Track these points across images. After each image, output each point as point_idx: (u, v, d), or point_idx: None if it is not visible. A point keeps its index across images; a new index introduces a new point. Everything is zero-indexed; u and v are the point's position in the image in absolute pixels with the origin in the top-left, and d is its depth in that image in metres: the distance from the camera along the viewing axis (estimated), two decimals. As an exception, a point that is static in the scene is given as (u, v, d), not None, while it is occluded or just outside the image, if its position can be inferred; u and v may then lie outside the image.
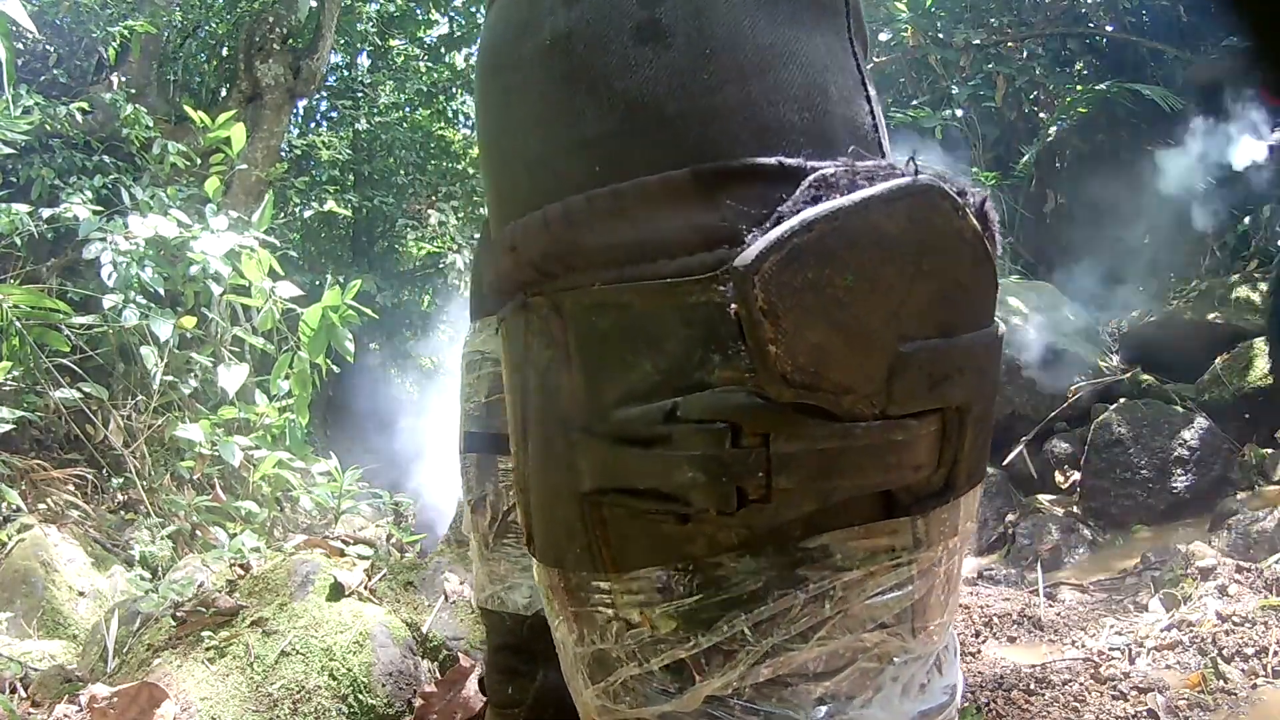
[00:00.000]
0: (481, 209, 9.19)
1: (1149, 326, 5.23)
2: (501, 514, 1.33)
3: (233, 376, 4.59)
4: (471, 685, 1.87)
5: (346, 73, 9.82)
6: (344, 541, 2.28)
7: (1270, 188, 5.63)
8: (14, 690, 2.14)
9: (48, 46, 5.39)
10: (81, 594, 3.09)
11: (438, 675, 1.95)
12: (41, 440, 4.32)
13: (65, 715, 1.73)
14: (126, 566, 3.67)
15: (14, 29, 3.01)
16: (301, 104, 8.69)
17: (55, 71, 5.41)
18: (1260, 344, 4.57)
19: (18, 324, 4.03)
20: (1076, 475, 4.54)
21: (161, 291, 4.56)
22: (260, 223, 5.03)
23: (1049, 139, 6.50)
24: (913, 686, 0.60)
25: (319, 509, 4.85)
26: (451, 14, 10.36)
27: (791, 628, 0.55)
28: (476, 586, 1.41)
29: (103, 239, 4.38)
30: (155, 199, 5.01)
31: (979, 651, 2.40)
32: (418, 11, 10.05)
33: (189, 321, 4.58)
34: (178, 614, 1.94)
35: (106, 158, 5.23)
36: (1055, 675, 2.01)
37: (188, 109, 5.49)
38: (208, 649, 1.83)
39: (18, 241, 4.49)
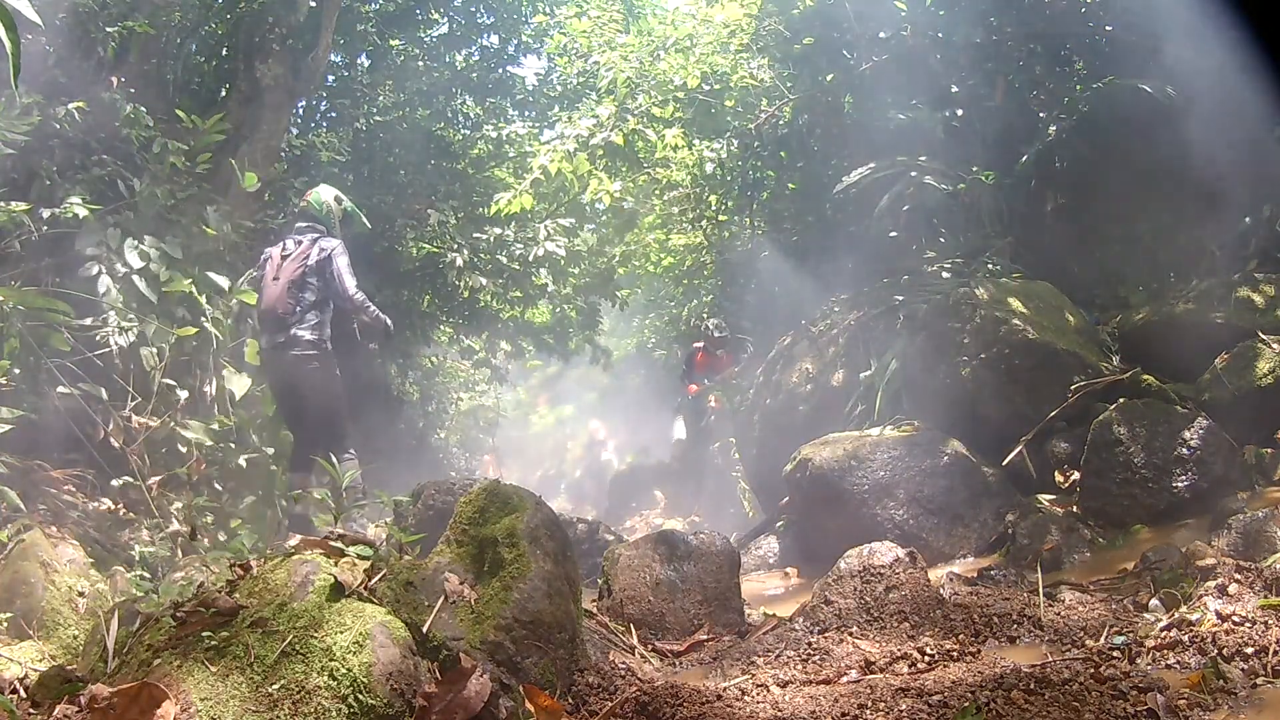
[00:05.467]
0: (481, 209, 9.20)
1: (1149, 326, 5.22)
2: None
3: (238, 383, 4.61)
4: (472, 685, 1.87)
5: (346, 73, 9.81)
6: (344, 541, 2.28)
7: (1272, 186, 5.62)
8: (14, 690, 2.14)
9: (48, 46, 5.38)
10: (81, 594, 3.09)
11: (438, 675, 1.95)
12: (41, 440, 4.32)
13: (65, 715, 1.73)
14: (126, 567, 3.67)
15: (21, 25, 3.00)
16: (301, 104, 8.69)
17: (55, 71, 5.39)
18: (1260, 344, 4.57)
19: (18, 324, 4.03)
20: (1076, 475, 4.54)
21: (156, 299, 4.58)
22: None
23: (1049, 139, 6.49)
24: None
25: (318, 508, 4.85)
26: (451, 14, 10.36)
27: None
28: None
29: (98, 256, 4.41)
30: (153, 197, 5.02)
31: (979, 651, 2.40)
32: (417, 11, 10.05)
33: (187, 332, 4.59)
34: (178, 614, 1.94)
35: (106, 157, 5.23)
36: (1055, 675, 2.01)
37: (179, 112, 5.50)
38: (208, 649, 1.82)
39: (19, 246, 4.49)
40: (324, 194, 5.52)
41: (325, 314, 5.14)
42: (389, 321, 5.34)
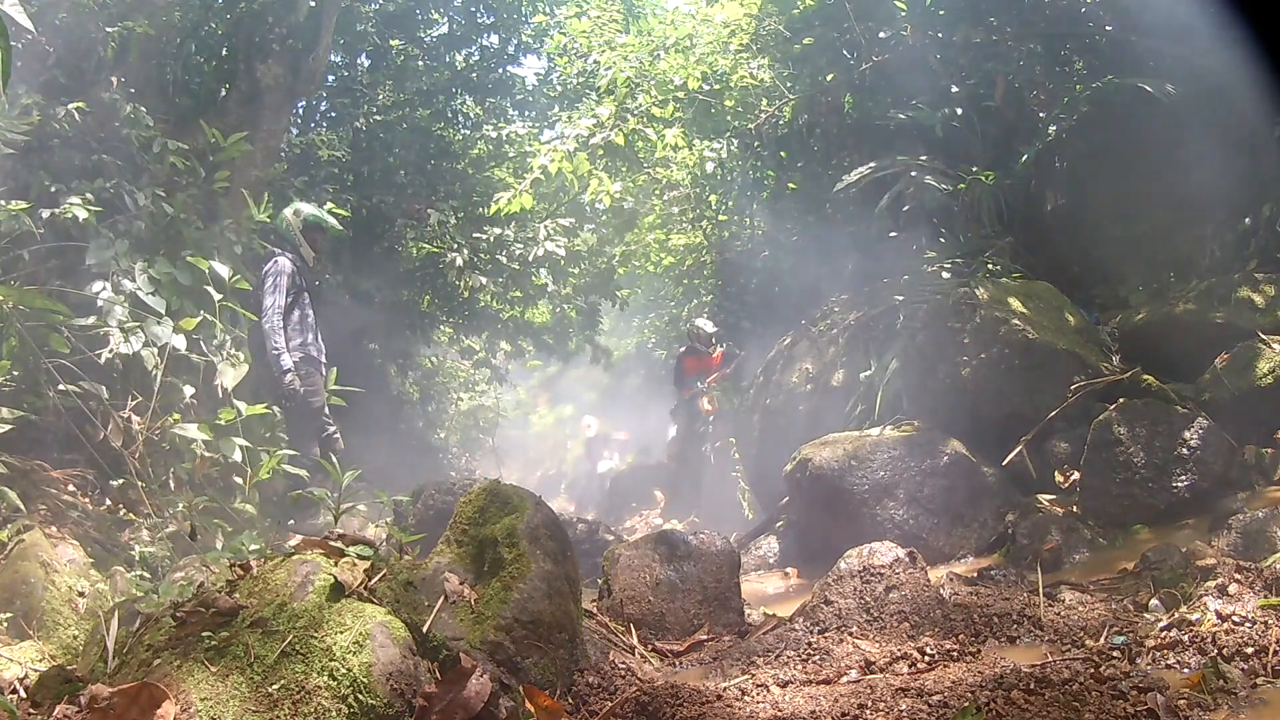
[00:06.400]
0: (481, 209, 9.19)
1: (1149, 326, 5.22)
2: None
3: (234, 374, 4.62)
4: (472, 685, 1.87)
5: (346, 73, 9.81)
6: (344, 541, 2.27)
7: (1272, 186, 5.62)
8: (14, 690, 2.14)
9: (48, 46, 5.37)
10: (81, 595, 3.09)
11: (438, 675, 1.95)
12: (41, 440, 4.31)
13: (65, 715, 1.73)
14: (126, 567, 3.67)
15: (12, 29, 3.00)
16: (301, 104, 8.69)
17: (55, 71, 5.39)
18: (1260, 344, 4.57)
19: (18, 324, 4.03)
20: (1076, 475, 4.54)
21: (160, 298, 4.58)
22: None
23: (1048, 138, 6.49)
24: None
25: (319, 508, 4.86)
26: (451, 14, 10.35)
27: None
28: None
29: (105, 274, 4.45)
30: (159, 208, 5.03)
31: (979, 651, 2.40)
32: (417, 11, 10.05)
33: (190, 324, 4.59)
34: (178, 614, 1.94)
35: (106, 157, 5.23)
36: (1055, 675, 2.01)
37: (203, 125, 5.55)
38: (208, 649, 1.82)
39: (26, 256, 4.49)
40: (285, 211, 5.75)
41: (289, 330, 5.42)
42: (287, 369, 5.27)
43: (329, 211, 5.88)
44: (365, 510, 6.18)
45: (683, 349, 9.99)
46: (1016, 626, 2.65)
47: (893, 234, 7.09)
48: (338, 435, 5.53)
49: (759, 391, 7.05)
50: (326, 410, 5.50)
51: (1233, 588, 2.48)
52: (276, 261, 5.43)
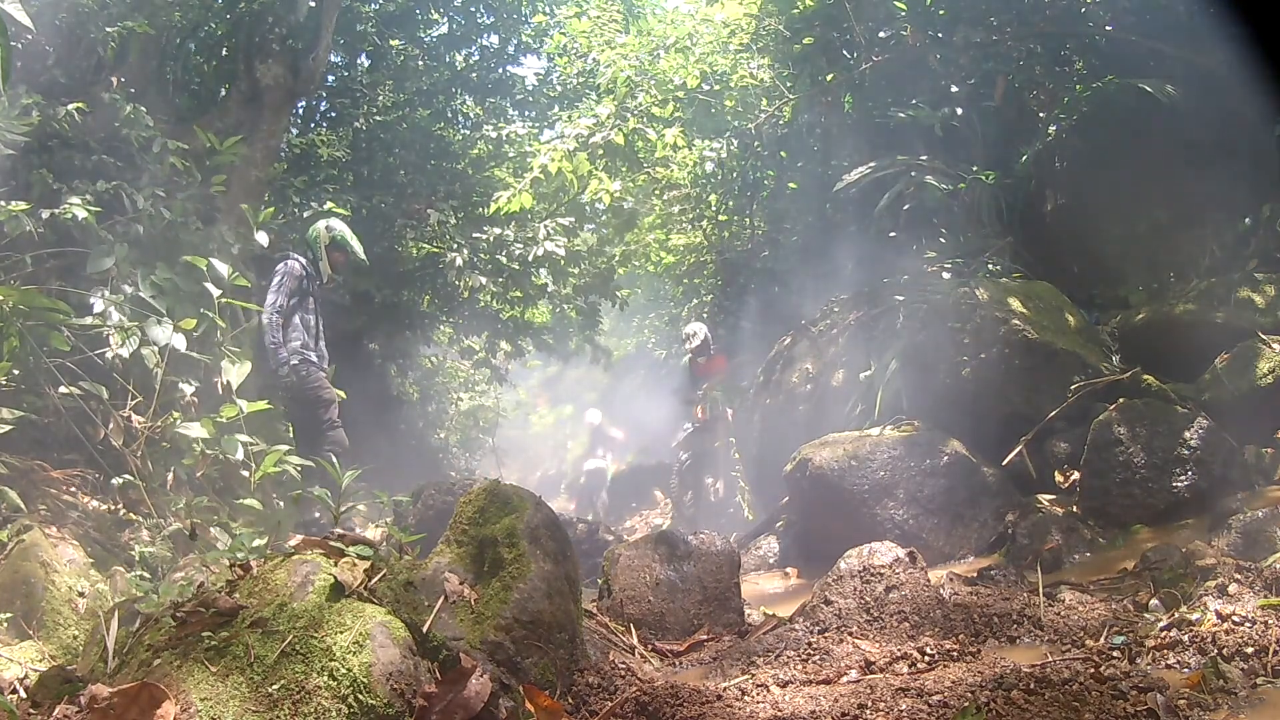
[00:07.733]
0: (481, 209, 9.19)
1: (1149, 326, 5.22)
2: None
3: (237, 371, 4.63)
4: (472, 685, 1.87)
5: (346, 73, 9.81)
6: (344, 541, 2.27)
7: (1272, 186, 5.62)
8: (14, 690, 2.14)
9: (48, 46, 5.38)
10: (81, 595, 3.09)
11: (438, 675, 1.95)
12: (41, 440, 4.31)
13: (65, 715, 1.73)
14: (126, 567, 3.67)
15: (12, 29, 3.01)
16: (301, 104, 8.69)
17: (55, 71, 5.39)
18: (1260, 344, 4.57)
19: (18, 324, 4.03)
20: (1076, 475, 4.54)
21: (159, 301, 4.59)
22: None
23: (1048, 138, 6.49)
24: None
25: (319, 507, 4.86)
26: (451, 14, 10.36)
27: None
28: None
29: (106, 281, 4.45)
30: (154, 202, 5.02)
31: (979, 651, 2.40)
32: (417, 11, 10.05)
33: (189, 324, 4.59)
34: (178, 614, 1.94)
35: (106, 157, 5.23)
36: (1055, 675, 2.01)
37: (198, 130, 5.54)
38: (208, 649, 1.82)
39: (28, 261, 4.49)
40: (320, 224, 5.78)
41: (289, 332, 5.42)
42: (287, 361, 5.26)
43: (329, 211, 5.88)
44: (365, 510, 6.18)
45: (687, 354, 9.93)
46: (1016, 626, 2.65)
47: (893, 234, 7.09)
48: (342, 433, 5.53)
49: (759, 391, 7.05)
50: (335, 413, 5.50)
51: (1233, 588, 2.48)
52: (287, 263, 5.44)
